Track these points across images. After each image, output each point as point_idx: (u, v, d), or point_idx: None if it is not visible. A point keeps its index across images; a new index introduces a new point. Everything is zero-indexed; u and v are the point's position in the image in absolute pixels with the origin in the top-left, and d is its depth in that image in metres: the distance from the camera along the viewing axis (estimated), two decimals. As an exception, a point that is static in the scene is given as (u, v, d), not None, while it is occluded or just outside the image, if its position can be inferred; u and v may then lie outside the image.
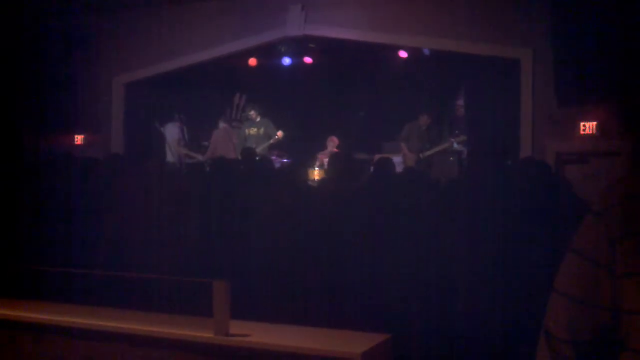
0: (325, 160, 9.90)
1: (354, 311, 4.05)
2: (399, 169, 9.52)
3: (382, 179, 4.92)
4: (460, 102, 10.97)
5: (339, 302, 4.17)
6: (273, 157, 9.46)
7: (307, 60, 10.88)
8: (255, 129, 10.21)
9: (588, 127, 8.07)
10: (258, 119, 10.27)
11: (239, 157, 8.07)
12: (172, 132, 10.67)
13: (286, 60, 10.79)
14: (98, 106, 10.65)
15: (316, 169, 9.83)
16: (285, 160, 9.99)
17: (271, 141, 10.11)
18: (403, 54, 10.21)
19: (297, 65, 10.86)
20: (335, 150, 10.24)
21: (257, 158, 7.51)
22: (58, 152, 8.03)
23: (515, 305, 3.64)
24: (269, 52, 10.63)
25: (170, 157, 10.48)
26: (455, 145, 9.97)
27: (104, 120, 10.66)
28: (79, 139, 10.72)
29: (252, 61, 10.97)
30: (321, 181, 7.42)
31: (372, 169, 7.12)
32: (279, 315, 3.85)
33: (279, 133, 10.10)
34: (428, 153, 9.89)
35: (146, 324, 3.60)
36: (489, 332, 3.83)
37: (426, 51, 9.93)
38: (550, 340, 1.30)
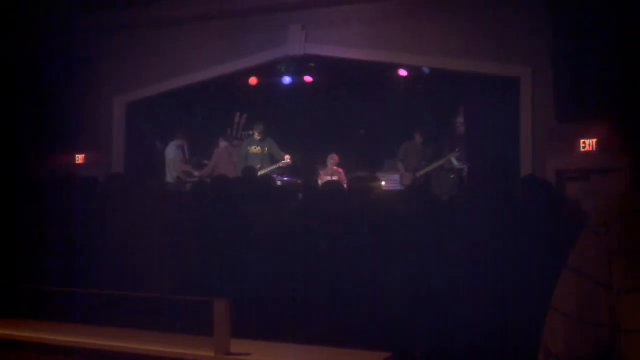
0: (326, 177, 9.90)
1: (356, 329, 4.04)
2: (397, 187, 9.56)
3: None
4: (460, 119, 11.01)
5: (340, 320, 4.16)
6: (274, 175, 9.45)
7: (307, 79, 10.94)
8: (258, 148, 10.15)
9: (588, 143, 8.07)
10: (261, 138, 10.20)
11: (240, 175, 8.06)
12: (170, 151, 10.54)
13: (286, 79, 10.84)
14: (99, 125, 10.69)
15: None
16: (285, 179, 9.97)
17: (279, 164, 10.02)
18: (403, 72, 10.26)
19: (297, 84, 10.91)
20: (335, 167, 10.23)
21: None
22: (59, 171, 8.03)
23: (517, 322, 3.63)
24: (269, 71, 10.69)
25: (169, 178, 10.37)
26: (454, 161, 9.97)
27: (105, 140, 10.70)
28: (79, 158, 10.74)
29: (253, 80, 11.04)
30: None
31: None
32: (280, 333, 3.83)
33: (287, 157, 9.99)
34: (422, 171, 9.89)
35: (146, 343, 3.58)
36: (493, 348, 3.81)
37: (426, 69, 9.97)
38: (549, 359, 1.29)
